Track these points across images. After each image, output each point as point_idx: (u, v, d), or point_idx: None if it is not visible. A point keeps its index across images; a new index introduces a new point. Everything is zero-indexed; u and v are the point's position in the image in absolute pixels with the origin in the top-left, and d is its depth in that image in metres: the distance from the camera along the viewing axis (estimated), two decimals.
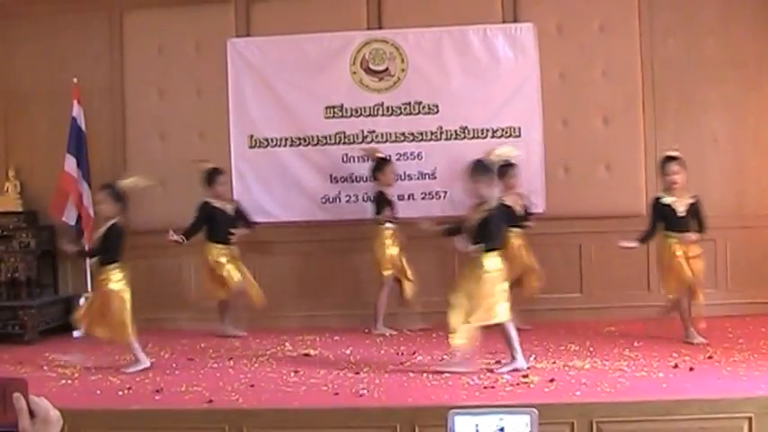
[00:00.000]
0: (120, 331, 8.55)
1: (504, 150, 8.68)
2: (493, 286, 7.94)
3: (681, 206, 9.07)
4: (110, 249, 8.76)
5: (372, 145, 10.65)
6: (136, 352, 8.58)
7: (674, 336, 9.10)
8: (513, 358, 7.91)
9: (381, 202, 10.28)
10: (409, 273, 10.22)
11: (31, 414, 2.02)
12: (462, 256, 8.98)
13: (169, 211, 10.36)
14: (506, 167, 9.56)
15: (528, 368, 7.78)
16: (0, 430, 2.03)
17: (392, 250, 10.17)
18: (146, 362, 8.56)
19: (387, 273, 10.19)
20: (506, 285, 8.06)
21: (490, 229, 8.00)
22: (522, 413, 2.88)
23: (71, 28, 11.24)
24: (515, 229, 9.74)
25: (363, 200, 10.73)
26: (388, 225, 10.21)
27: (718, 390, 6.80)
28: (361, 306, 10.56)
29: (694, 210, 9.05)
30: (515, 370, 7.76)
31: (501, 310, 7.92)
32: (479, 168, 8.13)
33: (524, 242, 9.90)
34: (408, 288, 10.25)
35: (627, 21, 10.72)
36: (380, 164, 10.36)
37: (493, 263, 7.98)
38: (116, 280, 8.70)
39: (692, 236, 8.88)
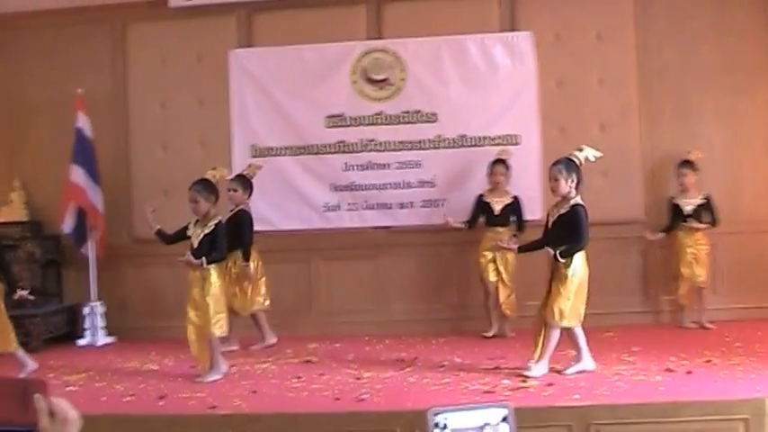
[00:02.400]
0: (3, 338, 8.59)
1: (218, 171, 9.08)
2: (218, 298, 8.33)
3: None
4: None
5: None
6: (23, 358, 8.69)
7: (671, 340, 9.20)
8: (212, 368, 8.35)
9: (475, 206, 10.30)
10: (506, 277, 10.08)
11: (51, 414, 2.09)
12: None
13: (172, 220, 10.42)
14: (681, 167, 10.10)
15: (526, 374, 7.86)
16: (21, 430, 2.10)
17: (486, 256, 10.07)
18: (33, 365, 8.72)
19: (483, 277, 10.17)
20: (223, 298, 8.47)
21: (216, 245, 8.38)
22: (499, 407, 2.98)
23: (75, 40, 11.35)
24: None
25: (364, 208, 10.82)
26: (489, 230, 10.16)
27: (715, 392, 6.84)
28: (362, 314, 10.67)
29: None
30: (214, 380, 8.23)
31: (221, 325, 8.35)
32: (209, 187, 8.54)
33: (694, 240, 10.16)
34: (501, 293, 10.15)
35: (622, 30, 10.81)
36: (491, 164, 10.31)
37: (216, 276, 8.35)
38: None
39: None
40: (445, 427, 2.94)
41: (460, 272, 10.61)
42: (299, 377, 8.19)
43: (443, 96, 10.88)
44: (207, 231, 8.39)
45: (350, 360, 9.01)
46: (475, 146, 10.75)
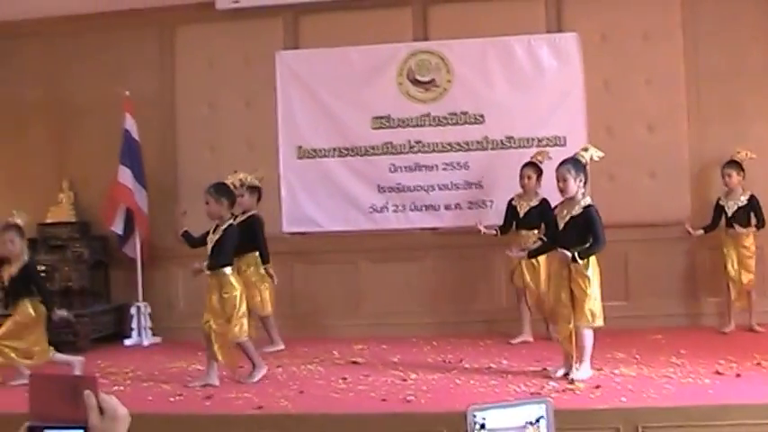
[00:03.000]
0: (41, 350, 8.62)
1: (235, 175, 9.20)
2: (238, 302, 8.24)
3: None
4: (31, 285, 8.73)
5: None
6: (62, 360, 8.70)
7: (720, 343, 9.13)
8: (255, 367, 8.39)
9: (506, 210, 10.11)
10: (530, 281, 9.84)
11: (101, 411, 2.11)
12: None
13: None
14: (726, 167, 10.01)
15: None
16: (70, 426, 2.11)
17: (513, 260, 9.80)
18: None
19: (513, 281, 10.09)
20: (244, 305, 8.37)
21: (223, 248, 8.29)
22: (538, 403, 2.98)
23: (123, 42, 11.45)
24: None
25: (410, 209, 10.81)
26: (516, 234, 9.99)
27: (765, 395, 6.77)
28: (409, 315, 10.65)
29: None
30: (260, 377, 8.31)
31: (244, 328, 8.29)
32: (220, 190, 8.47)
33: (738, 242, 10.03)
34: (529, 297, 9.94)
35: (670, 29, 10.72)
36: (521, 167, 10.08)
37: (232, 281, 8.27)
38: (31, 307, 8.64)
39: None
40: (483, 426, 2.94)
41: (507, 274, 10.53)
42: (345, 378, 8.20)
43: (490, 98, 10.85)
44: (217, 237, 8.35)
45: (396, 361, 9.01)
46: (522, 147, 10.69)
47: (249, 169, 10.73)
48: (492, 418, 2.93)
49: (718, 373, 7.69)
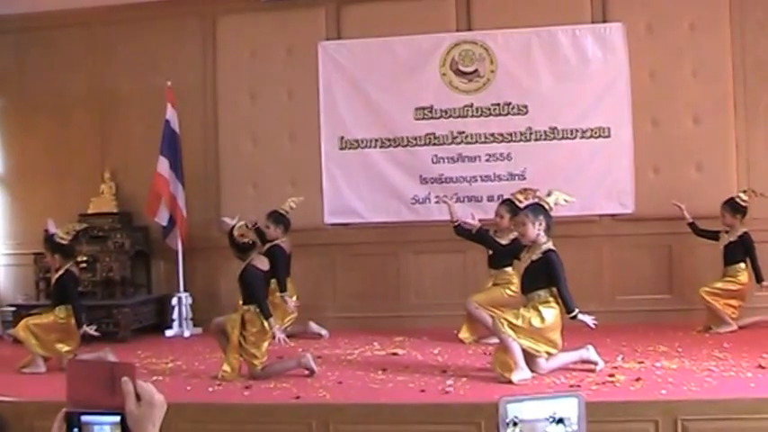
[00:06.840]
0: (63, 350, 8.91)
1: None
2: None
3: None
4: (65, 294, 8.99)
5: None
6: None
7: (764, 337, 9.03)
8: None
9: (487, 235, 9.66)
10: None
11: (138, 397, 2.12)
12: None
13: (260, 211, 10.46)
14: (721, 207, 9.77)
15: (615, 367, 7.78)
16: (107, 412, 2.13)
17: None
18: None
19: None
20: None
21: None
22: (570, 396, 2.97)
23: (165, 33, 11.50)
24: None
25: (453, 201, 10.73)
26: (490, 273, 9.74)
27: None
28: (450, 307, 10.58)
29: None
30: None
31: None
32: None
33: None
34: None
35: (717, 19, 10.58)
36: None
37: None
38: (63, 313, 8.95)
39: None
40: (515, 420, 2.94)
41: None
42: (385, 369, 8.20)
43: (534, 88, 10.79)
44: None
45: (436, 353, 8.99)
46: (566, 138, 10.67)
47: (295, 160, 10.80)
48: (523, 410, 2.93)
49: (761, 366, 7.59)
